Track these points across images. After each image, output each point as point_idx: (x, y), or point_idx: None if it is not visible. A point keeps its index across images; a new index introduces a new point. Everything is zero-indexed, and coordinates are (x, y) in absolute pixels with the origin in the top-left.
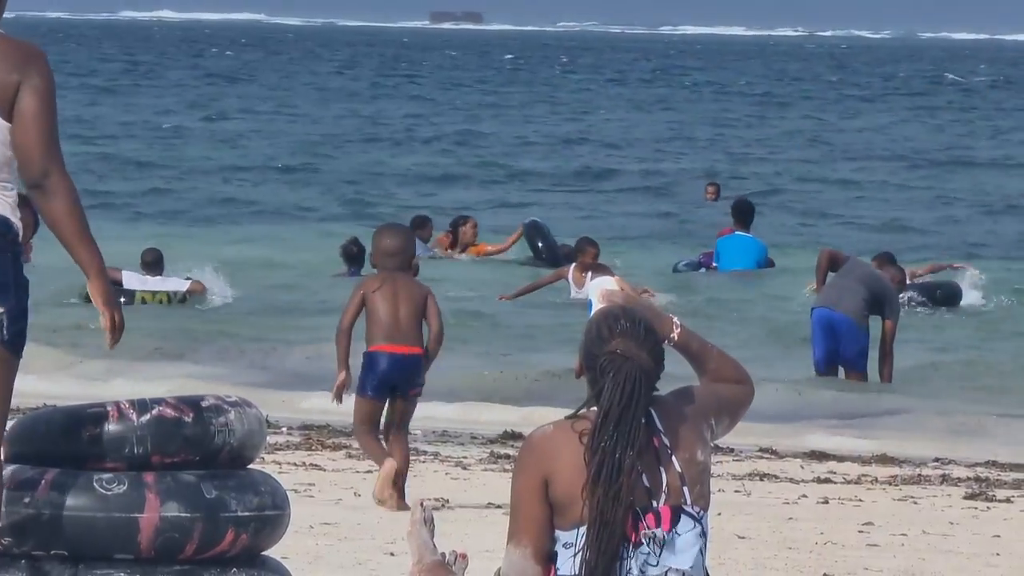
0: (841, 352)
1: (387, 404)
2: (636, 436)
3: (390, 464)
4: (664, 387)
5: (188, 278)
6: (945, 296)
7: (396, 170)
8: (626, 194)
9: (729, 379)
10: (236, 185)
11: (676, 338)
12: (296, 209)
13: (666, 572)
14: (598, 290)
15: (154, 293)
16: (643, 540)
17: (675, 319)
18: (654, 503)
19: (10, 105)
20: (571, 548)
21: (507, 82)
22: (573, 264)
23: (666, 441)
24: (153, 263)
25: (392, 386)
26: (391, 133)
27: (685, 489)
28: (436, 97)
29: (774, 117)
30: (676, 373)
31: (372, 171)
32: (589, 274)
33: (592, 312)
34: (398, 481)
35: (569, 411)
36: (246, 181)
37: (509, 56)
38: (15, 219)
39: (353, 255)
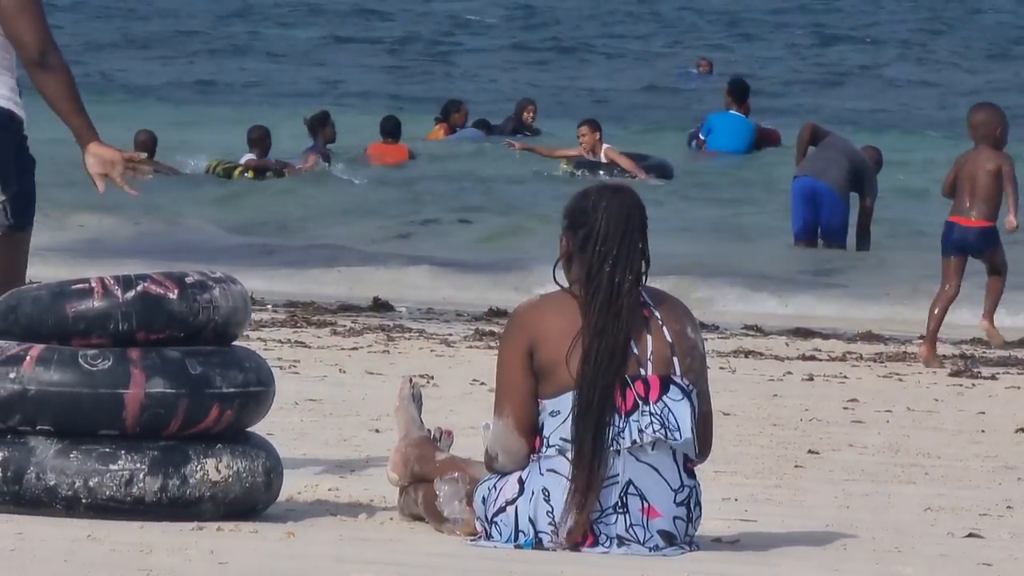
0: (823, 223)
1: None
2: (633, 259)
3: None
4: None
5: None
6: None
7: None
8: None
9: None
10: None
11: None
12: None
13: (654, 443)
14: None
15: (246, 169)
16: (635, 408)
17: None
18: (642, 371)
19: None
20: (558, 416)
21: None
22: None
23: (657, 313)
24: (256, 140)
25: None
26: None
27: (675, 360)
28: None
29: None
30: None
31: None
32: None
33: None
34: None
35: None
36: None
37: None
38: (16, 108)
39: (311, 127)
